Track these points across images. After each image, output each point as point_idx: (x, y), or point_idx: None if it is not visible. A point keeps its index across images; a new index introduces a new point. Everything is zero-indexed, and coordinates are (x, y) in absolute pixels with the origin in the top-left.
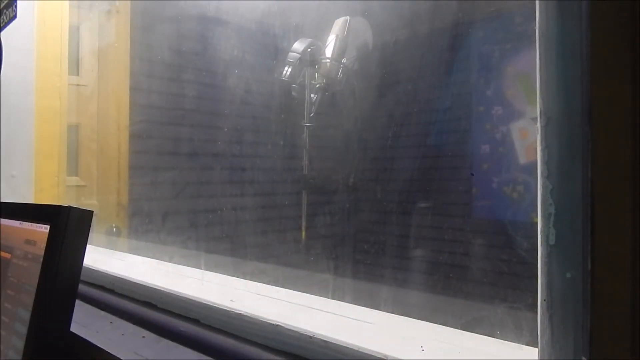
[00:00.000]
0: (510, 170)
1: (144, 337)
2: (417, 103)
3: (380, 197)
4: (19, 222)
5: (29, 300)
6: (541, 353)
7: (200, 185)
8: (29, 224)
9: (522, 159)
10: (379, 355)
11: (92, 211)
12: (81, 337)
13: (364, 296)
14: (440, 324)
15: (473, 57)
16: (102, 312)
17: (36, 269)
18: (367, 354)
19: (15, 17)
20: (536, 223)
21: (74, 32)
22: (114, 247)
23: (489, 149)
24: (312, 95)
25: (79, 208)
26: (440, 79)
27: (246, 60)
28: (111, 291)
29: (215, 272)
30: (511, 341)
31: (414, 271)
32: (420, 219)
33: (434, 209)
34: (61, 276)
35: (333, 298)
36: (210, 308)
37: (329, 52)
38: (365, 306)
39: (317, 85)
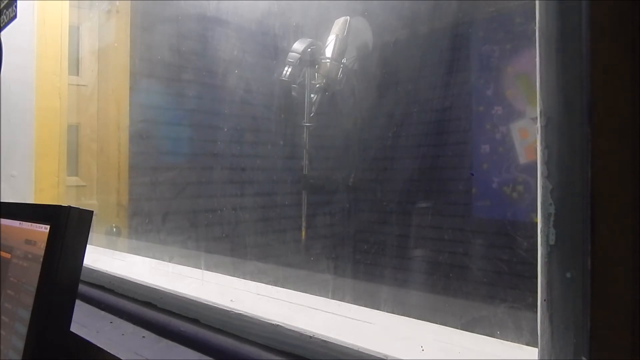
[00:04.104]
0: (510, 170)
1: (144, 337)
2: (417, 103)
3: (380, 197)
4: (19, 222)
5: (29, 300)
6: (541, 353)
7: (200, 185)
8: (29, 224)
9: (522, 159)
10: (379, 355)
11: (92, 211)
12: (81, 337)
13: (364, 296)
14: (440, 324)
15: (473, 57)
16: (102, 312)
17: (36, 269)
18: (367, 354)
19: (15, 17)
20: (536, 223)
21: (74, 32)
22: (114, 247)
23: (489, 149)
24: (312, 95)
25: (79, 208)
26: (440, 79)
27: (246, 60)
28: (111, 291)
29: (215, 272)
30: (511, 341)
31: (413, 271)
32: (420, 219)
33: (434, 208)
34: (61, 276)
35: (333, 298)
36: (210, 308)
37: (329, 52)
38: (365, 306)
39: (317, 85)
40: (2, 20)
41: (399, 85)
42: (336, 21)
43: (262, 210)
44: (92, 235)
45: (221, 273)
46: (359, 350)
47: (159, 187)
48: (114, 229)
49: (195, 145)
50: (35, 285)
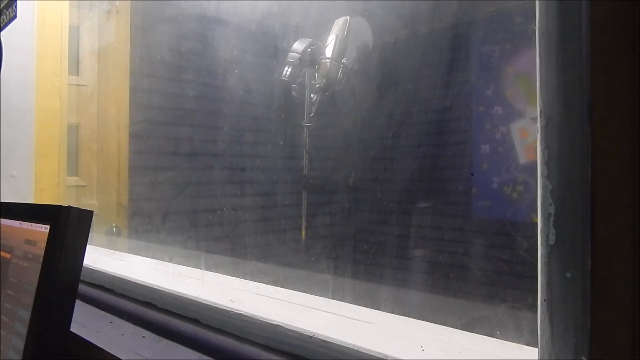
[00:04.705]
0: (510, 170)
1: (144, 337)
2: (416, 103)
3: (380, 197)
4: (19, 222)
5: (29, 300)
6: (541, 353)
7: (200, 185)
8: (29, 224)
9: (522, 159)
10: (379, 355)
11: (92, 211)
12: (81, 337)
13: (364, 296)
14: (440, 324)
15: (473, 57)
16: (102, 312)
17: (36, 269)
18: (367, 354)
19: (15, 17)
20: (536, 223)
21: (74, 32)
22: (113, 247)
23: (489, 149)
24: (312, 95)
25: (79, 208)
26: (440, 79)
27: (246, 60)
28: (111, 291)
29: (215, 272)
30: (511, 341)
31: (413, 271)
32: (420, 219)
33: (434, 208)
34: (61, 276)
35: (333, 298)
36: (210, 308)
37: (329, 52)
38: (365, 306)
39: (317, 85)
40: (2, 20)
41: (399, 85)
42: (336, 21)
43: (262, 210)
44: (92, 235)
45: (221, 273)
46: (359, 350)
47: (159, 187)
48: (114, 229)
49: (195, 145)
50: (35, 285)
